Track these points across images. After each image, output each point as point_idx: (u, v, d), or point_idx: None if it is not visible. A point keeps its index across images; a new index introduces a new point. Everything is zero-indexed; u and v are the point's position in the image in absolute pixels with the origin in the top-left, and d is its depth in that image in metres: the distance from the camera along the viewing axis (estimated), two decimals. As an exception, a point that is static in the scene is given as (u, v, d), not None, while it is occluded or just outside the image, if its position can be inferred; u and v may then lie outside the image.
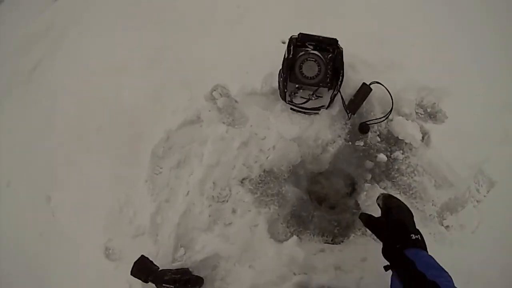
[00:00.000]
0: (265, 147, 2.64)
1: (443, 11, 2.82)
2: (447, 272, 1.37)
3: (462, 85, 2.63)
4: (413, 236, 1.54)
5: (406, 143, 2.47)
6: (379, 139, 2.65)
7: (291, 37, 2.35)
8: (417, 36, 2.79)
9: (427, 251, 1.53)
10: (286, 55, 2.35)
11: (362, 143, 2.64)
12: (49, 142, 2.73)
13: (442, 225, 2.34)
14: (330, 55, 2.33)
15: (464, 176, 2.38)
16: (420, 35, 2.81)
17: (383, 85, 2.52)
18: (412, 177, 2.41)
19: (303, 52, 2.33)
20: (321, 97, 2.51)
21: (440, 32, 2.77)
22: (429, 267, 1.37)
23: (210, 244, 2.39)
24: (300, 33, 2.27)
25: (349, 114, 2.62)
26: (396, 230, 1.60)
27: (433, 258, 1.45)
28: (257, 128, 2.69)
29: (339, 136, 2.66)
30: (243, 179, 2.62)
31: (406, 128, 2.43)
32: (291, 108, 2.65)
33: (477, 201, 2.35)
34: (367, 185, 2.55)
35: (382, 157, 2.48)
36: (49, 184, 2.62)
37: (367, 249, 2.28)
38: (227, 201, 2.57)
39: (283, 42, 2.74)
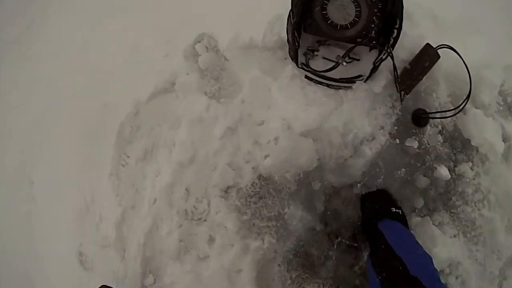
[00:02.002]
0: (263, 139, 1.69)
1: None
2: (422, 248, 1.27)
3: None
4: (393, 209, 1.53)
5: (478, 152, 1.67)
6: (441, 139, 1.65)
7: None
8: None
9: (407, 227, 1.51)
10: None
11: (415, 144, 1.63)
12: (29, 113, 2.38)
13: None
14: None
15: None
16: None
17: (457, 53, 1.46)
18: (479, 210, 1.67)
19: None
20: (358, 60, 1.42)
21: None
22: (400, 242, 1.29)
23: (180, 281, 1.72)
24: None
25: (402, 93, 1.55)
26: (377, 203, 1.59)
27: (412, 235, 1.44)
28: (252, 105, 1.73)
29: (382, 128, 1.62)
30: (228, 188, 1.73)
31: (484, 130, 1.62)
32: (306, 77, 1.60)
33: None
34: (416, 219, 1.67)
35: (443, 171, 1.63)
36: (29, 163, 2.29)
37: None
38: (205, 220, 1.75)
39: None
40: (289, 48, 1.59)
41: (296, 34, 1.38)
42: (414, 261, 1.15)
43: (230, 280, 1.65)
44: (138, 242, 1.82)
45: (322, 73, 1.49)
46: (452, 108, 1.55)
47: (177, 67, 1.94)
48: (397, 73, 1.47)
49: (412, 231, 1.61)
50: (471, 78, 1.47)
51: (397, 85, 1.53)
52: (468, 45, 1.55)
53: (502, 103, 1.74)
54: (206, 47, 1.94)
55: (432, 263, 1.20)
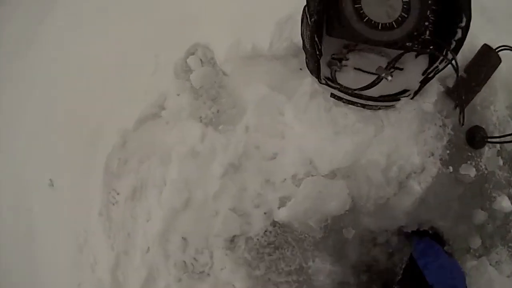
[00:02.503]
0: (276, 177, 1.32)
1: None
2: None
3: None
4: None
5: None
6: (501, 162, 1.34)
7: None
8: None
9: None
10: None
11: (472, 172, 1.28)
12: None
13: None
14: None
15: None
16: None
17: None
18: None
19: None
20: (401, 69, 1.04)
21: None
22: None
23: None
24: None
25: (460, 111, 1.14)
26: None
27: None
28: (260, 134, 1.35)
29: (432, 155, 1.25)
30: (234, 237, 1.38)
31: None
32: (332, 95, 1.20)
33: None
34: (472, 263, 1.40)
35: (504, 202, 1.35)
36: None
37: None
38: (208, 274, 1.42)
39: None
40: (307, 57, 1.18)
41: (316, 39, 0.99)
42: None
43: None
44: (135, 292, 1.58)
45: (355, 91, 1.10)
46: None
47: (166, 87, 1.60)
48: (461, 85, 1.11)
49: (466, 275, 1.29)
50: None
51: (458, 100, 1.17)
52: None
53: None
54: (201, 60, 1.58)
55: None
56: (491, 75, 1.23)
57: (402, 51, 0.94)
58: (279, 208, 1.32)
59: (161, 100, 1.61)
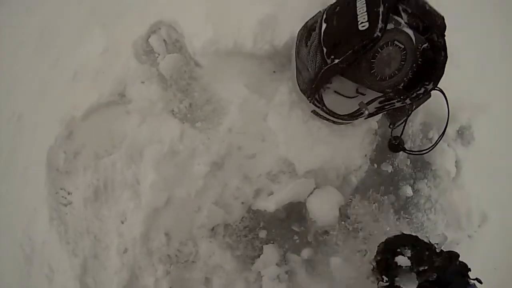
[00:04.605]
0: (253, 173, 1.47)
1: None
2: None
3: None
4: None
5: (432, 170, 1.79)
6: (408, 162, 1.75)
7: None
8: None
9: None
10: (366, 23, 1.01)
11: (390, 168, 1.69)
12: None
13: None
14: (425, 45, 1.14)
15: (474, 222, 1.84)
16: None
17: (445, 96, 1.44)
18: (427, 215, 1.80)
19: (392, 26, 1.05)
20: (364, 95, 1.25)
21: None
22: None
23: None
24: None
25: (391, 126, 1.55)
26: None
27: None
28: (243, 136, 1.43)
29: (365, 156, 1.60)
30: (214, 226, 1.49)
31: (445, 160, 1.76)
32: (313, 111, 1.39)
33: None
34: None
35: (408, 190, 1.74)
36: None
37: None
38: (193, 261, 1.49)
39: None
40: (300, 76, 1.32)
41: (325, 76, 1.16)
42: None
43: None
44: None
45: (335, 113, 1.32)
46: (428, 147, 1.61)
47: (125, 71, 1.41)
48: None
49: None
50: (449, 115, 1.52)
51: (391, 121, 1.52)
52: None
53: (458, 134, 1.87)
54: (165, 40, 1.43)
55: None
56: (420, 104, 1.55)
57: (381, 94, 1.19)
58: (253, 198, 1.49)
59: (120, 87, 1.42)
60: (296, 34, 1.36)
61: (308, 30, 1.27)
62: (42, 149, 1.42)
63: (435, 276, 1.13)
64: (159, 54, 1.45)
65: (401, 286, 1.15)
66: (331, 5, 1.20)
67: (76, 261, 1.46)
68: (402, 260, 1.18)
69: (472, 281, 1.13)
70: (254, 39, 1.40)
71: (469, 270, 1.15)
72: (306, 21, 1.33)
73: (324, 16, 1.18)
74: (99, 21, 1.47)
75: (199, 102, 1.47)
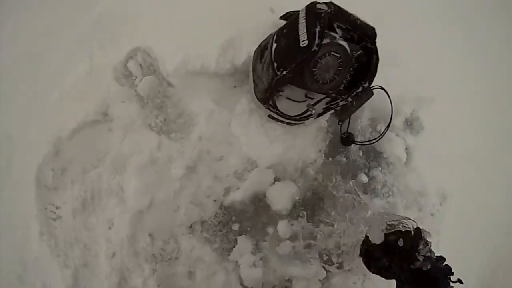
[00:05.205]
0: (222, 173, 1.67)
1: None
2: None
3: (450, 102, 2.09)
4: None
5: (385, 159, 1.98)
6: (361, 154, 1.95)
7: (316, 8, 1.29)
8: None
9: None
10: (306, 41, 1.25)
11: (343, 160, 1.89)
12: None
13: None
14: (360, 52, 1.37)
15: (434, 202, 2.02)
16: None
17: (386, 93, 1.73)
18: (386, 198, 1.96)
19: (328, 41, 1.27)
20: (312, 99, 1.50)
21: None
22: None
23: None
24: (333, 4, 1.29)
25: (340, 123, 1.79)
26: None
27: None
28: (211, 142, 1.64)
29: (319, 151, 1.82)
30: (192, 224, 1.66)
31: (394, 147, 1.94)
32: (270, 116, 1.61)
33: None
34: None
35: (363, 177, 1.93)
36: None
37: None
38: (176, 258, 1.64)
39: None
40: (257, 88, 1.54)
41: (278, 83, 1.38)
42: None
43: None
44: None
45: (287, 115, 1.55)
46: (376, 137, 1.86)
47: (106, 93, 1.59)
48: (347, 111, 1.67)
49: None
50: (393, 111, 1.79)
51: (339, 116, 1.75)
52: (390, 81, 1.80)
53: (408, 125, 2.04)
54: (141, 64, 1.63)
55: None
56: (364, 102, 1.70)
57: (325, 95, 1.44)
58: (223, 195, 1.68)
59: (103, 107, 1.59)
60: (252, 54, 1.58)
61: (262, 49, 1.50)
62: (31, 167, 1.54)
63: (429, 267, 1.21)
64: (136, 77, 1.64)
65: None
66: (280, 28, 1.43)
67: (68, 272, 1.56)
68: None
69: (453, 283, 1.22)
70: (217, 60, 1.63)
71: (452, 273, 1.23)
72: (260, 42, 1.55)
73: (275, 37, 1.39)
74: (83, 48, 1.64)
75: (172, 116, 1.67)
